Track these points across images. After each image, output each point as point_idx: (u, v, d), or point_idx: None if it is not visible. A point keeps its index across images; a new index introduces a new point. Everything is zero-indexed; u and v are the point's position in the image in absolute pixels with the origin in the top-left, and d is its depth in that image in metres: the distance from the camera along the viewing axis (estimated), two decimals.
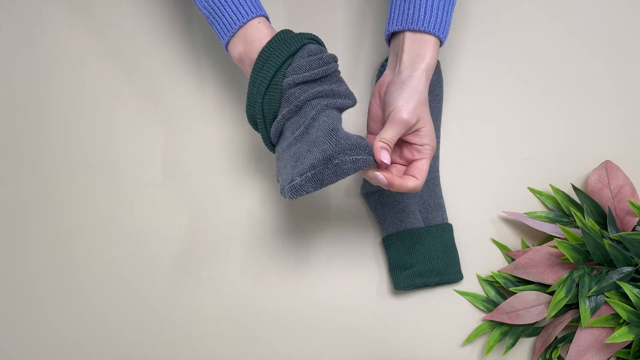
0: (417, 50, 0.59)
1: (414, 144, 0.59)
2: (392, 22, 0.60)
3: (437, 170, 0.72)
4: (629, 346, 0.64)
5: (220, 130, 0.74)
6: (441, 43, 0.60)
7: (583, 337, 0.63)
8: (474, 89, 0.74)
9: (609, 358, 0.64)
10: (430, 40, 0.58)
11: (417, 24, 0.58)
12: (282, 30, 0.60)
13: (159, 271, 0.71)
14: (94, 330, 0.70)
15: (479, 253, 0.71)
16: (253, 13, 0.60)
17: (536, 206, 0.71)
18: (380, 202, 0.71)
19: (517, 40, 0.76)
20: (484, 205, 0.72)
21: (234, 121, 0.74)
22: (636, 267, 0.63)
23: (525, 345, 0.69)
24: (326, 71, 0.59)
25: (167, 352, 0.69)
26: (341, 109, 0.60)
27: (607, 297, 0.63)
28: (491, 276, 0.70)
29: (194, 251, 0.71)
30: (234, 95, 0.75)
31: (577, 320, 0.65)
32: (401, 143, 0.60)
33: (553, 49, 0.75)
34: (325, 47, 0.62)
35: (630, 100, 0.74)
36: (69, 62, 0.76)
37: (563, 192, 0.70)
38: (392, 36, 0.62)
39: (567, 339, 0.66)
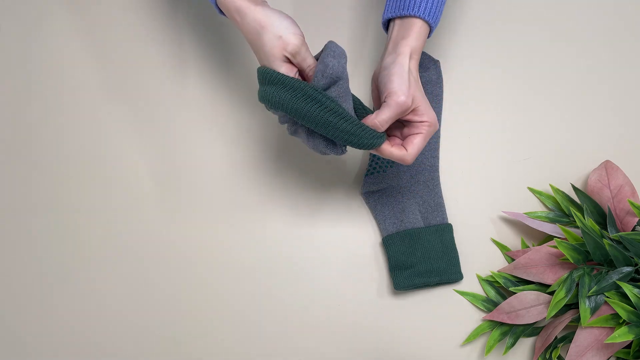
0: (402, 34, 0.60)
1: (413, 121, 0.59)
2: (385, 11, 0.62)
3: (437, 171, 0.72)
4: (628, 346, 0.64)
5: (219, 131, 0.74)
6: (431, 28, 0.61)
7: (583, 337, 0.63)
8: (474, 89, 0.74)
9: (609, 358, 0.64)
10: (415, 23, 0.59)
11: (405, 9, 0.60)
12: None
13: (159, 271, 0.71)
14: (93, 330, 0.70)
15: (479, 253, 0.71)
16: None
17: (536, 206, 0.71)
18: (380, 202, 0.71)
19: (517, 41, 0.76)
20: (484, 205, 0.72)
21: (230, 119, 0.74)
22: (636, 267, 0.63)
23: (525, 345, 0.69)
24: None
25: (167, 352, 0.69)
26: None
27: (607, 297, 0.63)
28: (491, 276, 0.70)
29: (194, 251, 0.71)
30: (229, 94, 0.75)
31: (577, 320, 0.65)
32: (400, 123, 0.61)
33: (553, 49, 0.75)
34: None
35: (630, 100, 0.74)
36: (69, 62, 0.76)
37: (563, 192, 0.70)
38: (387, 26, 0.63)
39: (567, 338, 0.66)
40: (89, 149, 0.74)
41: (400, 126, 0.61)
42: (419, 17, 0.59)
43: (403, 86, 0.57)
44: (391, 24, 0.62)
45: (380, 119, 0.58)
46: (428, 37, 0.62)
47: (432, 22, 0.60)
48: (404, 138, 0.61)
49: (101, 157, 0.74)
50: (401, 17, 0.60)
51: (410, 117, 0.59)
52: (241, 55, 0.76)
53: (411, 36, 0.59)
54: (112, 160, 0.74)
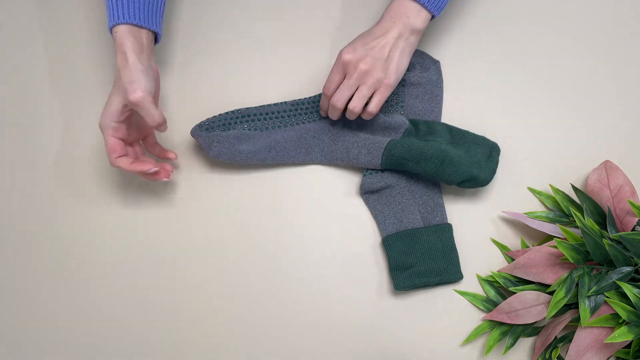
0: (397, 10, 0.64)
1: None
2: None
3: None
4: (628, 346, 0.64)
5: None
6: (432, 16, 0.64)
7: (583, 337, 0.63)
8: (474, 89, 0.74)
9: (609, 358, 0.64)
10: (409, 5, 0.64)
11: None
12: None
13: (158, 273, 0.71)
14: (93, 331, 0.70)
15: (479, 253, 0.71)
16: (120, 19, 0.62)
17: (536, 206, 0.72)
18: (380, 202, 0.71)
19: (517, 41, 0.76)
20: (484, 205, 0.72)
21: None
22: (636, 267, 0.63)
23: (524, 345, 0.69)
24: None
25: (167, 352, 0.70)
26: None
27: (607, 297, 0.63)
28: (491, 276, 0.70)
29: (193, 252, 0.71)
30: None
31: (577, 320, 0.65)
32: None
33: (553, 49, 0.75)
34: None
35: (630, 100, 0.74)
36: (69, 62, 0.76)
37: (563, 192, 0.70)
38: None
39: (566, 338, 0.66)
40: (89, 149, 0.74)
41: None
42: (417, 1, 0.63)
43: (355, 42, 0.65)
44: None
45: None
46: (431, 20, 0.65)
47: (432, 11, 0.63)
48: None
49: (101, 156, 0.74)
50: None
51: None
52: (241, 56, 0.76)
53: (407, 13, 0.64)
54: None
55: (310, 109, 0.73)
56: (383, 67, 0.64)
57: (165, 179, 0.66)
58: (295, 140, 0.71)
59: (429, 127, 0.71)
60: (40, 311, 0.71)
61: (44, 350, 0.70)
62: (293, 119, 0.72)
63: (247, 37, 0.76)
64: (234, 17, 0.76)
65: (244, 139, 0.69)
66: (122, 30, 0.62)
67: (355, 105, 0.65)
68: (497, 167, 0.69)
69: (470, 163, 0.67)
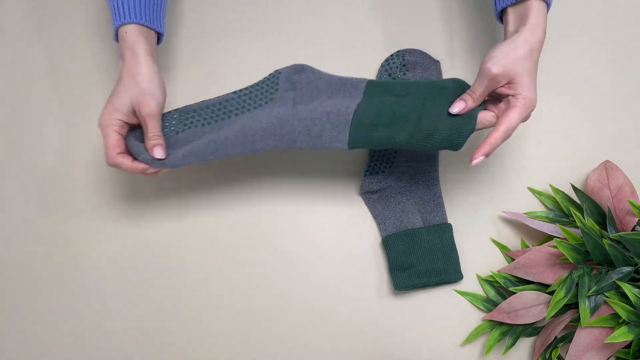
0: (520, 19, 0.59)
1: (507, 95, 0.58)
2: (497, 2, 0.61)
3: (437, 170, 0.72)
4: (628, 346, 0.64)
5: None
6: (548, 5, 0.59)
7: (583, 337, 0.63)
8: None
9: (609, 358, 0.64)
10: (532, 5, 0.58)
11: None
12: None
13: (157, 272, 0.71)
14: (92, 331, 0.70)
15: (479, 253, 0.71)
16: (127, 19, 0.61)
17: (536, 206, 0.72)
18: (380, 202, 0.71)
19: None
20: (484, 205, 0.72)
21: None
22: (636, 267, 0.63)
23: (524, 345, 0.69)
24: None
25: (167, 353, 0.70)
26: None
27: (607, 297, 0.63)
28: (491, 276, 0.70)
29: (192, 252, 0.71)
30: None
31: (577, 320, 0.65)
32: (497, 99, 0.60)
33: (553, 49, 0.75)
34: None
35: (630, 101, 0.74)
36: (69, 62, 0.76)
37: (563, 192, 0.70)
38: (501, 15, 0.62)
39: (566, 338, 0.66)
40: (90, 149, 0.74)
41: (494, 105, 0.60)
42: None
43: (500, 55, 0.57)
44: (505, 14, 0.61)
45: (472, 89, 0.59)
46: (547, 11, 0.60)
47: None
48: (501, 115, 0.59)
49: (101, 156, 0.74)
50: (514, 4, 0.59)
51: (504, 90, 0.58)
52: (241, 54, 0.76)
53: (530, 16, 0.58)
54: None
55: (254, 94, 0.66)
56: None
57: (165, 170, 0.63)
58: (239, 130, 0.62)
59: (394, 87, 0.63)
60: (40, 312, 0.71)
61: (44, 351, 0.70)
62: (237, 110, 0.65)
63: (245, 37, 0.76)
64: (232, 17, 0.76)
65: (180, 143, 0.64)
66: (133, 30, 0.61)
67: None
68: (473, 126, 0.59)
69: (450, 126, 0.59)
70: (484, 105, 0.60)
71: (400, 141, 0.60)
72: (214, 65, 0.75)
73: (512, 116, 0.57)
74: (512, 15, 0.60)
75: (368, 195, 0.71)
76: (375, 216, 0.71)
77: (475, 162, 0.58)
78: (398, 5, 0.77)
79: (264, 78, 0.67)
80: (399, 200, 0.71)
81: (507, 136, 0.58)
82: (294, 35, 0.76)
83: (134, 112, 0.62)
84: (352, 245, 0.71)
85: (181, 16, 0.77)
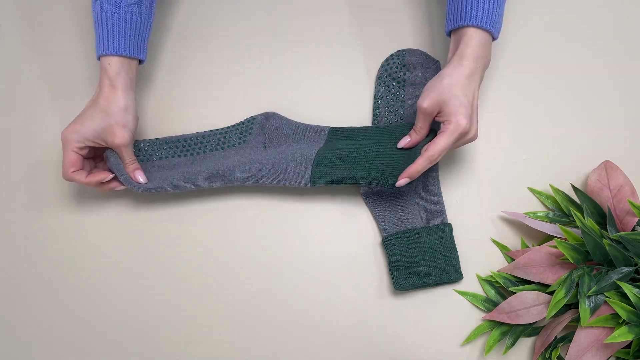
0: (456, 44, 0.63)
1: (442, 121, 0.62)
2: (446, 24, 0.65)
3: (437, 170, 0.72)
4: (628, 346, 0.64)
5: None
6: (493, 35, 0.63)
7: (583, 337, 0.63)
8: None
9: (609, 358, 0.64)
10: (470, 33, 0.62)
11: (460, 20, 0.62)
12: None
13: (156, 272, 0.71)
14: (91, 331, 0.70)
15: (479, 253, 0.71)
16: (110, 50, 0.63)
17: (536, 206, 0.72)
18: (380, 202, 0.71)
19: (517, 41, 0.76)
20: (484, 205, 0.72)
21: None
22: (636, 267, 0.63)
23: (524, 345, 0.69)
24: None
25: (166, 352, 0.70)
26: None
27: (607, 297, 0.63)
28: (491, 276, 0.70)
29: (192, 252, 0.71)
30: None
31: (577, 320, 0.65)
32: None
33: (553, 49, 0.75)
34: None
35: (630, 100, 0.74)
36: (69, 62, 0.76)
37: (563, 192, 0.70)
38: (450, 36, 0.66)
39: (566, 338, 0.66)
40: None
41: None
42: (474, 26, 0.61)
43: (426, 89, 0.62)
44: (452, 36, 0.64)
45: (415, 126, 0.65)
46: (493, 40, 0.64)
47: (490, 28, 0.62)
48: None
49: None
50: (457, 28, 0.63)
51: (438, 119, 0.63)
52: (240, 54, 0.76)
53: (460, 45, 0.62)
54: None
55: (229, 134, 0.72)
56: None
57: (121, 187, 0.66)
58: (212, 165, 0.69)
59: (353, 133, 0.71)
60: (40, 312, 0.71)
61: (43, 353, 0.70)
62: (212, 147, 0.72)
63: (244, 35, 0.76)
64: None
65: (155, 169, 0.70)
66: (115, 62, 0.63)
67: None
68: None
69: (402, 159, 0.65)
70: (431, 136, 0.65)
71: (358, 177, 0.65)
72: (213, 68, 0.75)
73: (438, 141, 0.61)
74: (452, 41, 0.64)
75: (368, 195, 0.71)
76: (375, 216, 0.71)
77: (398, 183, 0.63)
78: (398, 5, 0.77)
79: (240, 122, 0.73)
80: (399, 200, 0.71)
81: (431, 162, 0.62)
82: (294, 35, 0.76)
83: (100, 138, 0.64)
84: (352, 245, 0.71)
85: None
